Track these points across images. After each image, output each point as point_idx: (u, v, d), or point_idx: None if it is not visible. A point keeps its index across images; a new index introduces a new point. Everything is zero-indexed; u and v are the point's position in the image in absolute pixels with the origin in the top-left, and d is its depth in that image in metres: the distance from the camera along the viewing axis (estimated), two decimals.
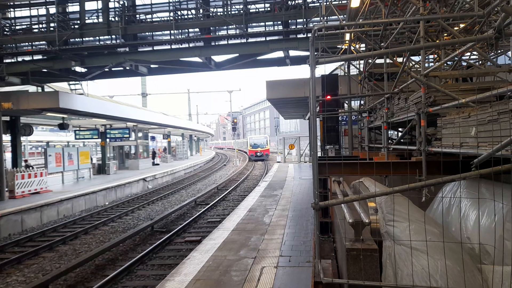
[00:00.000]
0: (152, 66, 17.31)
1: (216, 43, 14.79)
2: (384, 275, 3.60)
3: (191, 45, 14.65)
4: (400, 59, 8.88)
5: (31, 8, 15.42)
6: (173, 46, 14.58)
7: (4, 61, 15.25)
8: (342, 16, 12.06)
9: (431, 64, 10.11)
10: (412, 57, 9.88)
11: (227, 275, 5.26)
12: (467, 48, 4.80)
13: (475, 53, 8.41)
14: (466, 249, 3.84)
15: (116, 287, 7.39)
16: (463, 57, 8.56)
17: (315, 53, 3.92)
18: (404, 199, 4.08)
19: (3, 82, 15.23)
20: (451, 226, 4.85)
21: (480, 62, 8.80)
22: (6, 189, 14.85)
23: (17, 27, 15.35)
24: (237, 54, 15.69)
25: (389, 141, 8.55)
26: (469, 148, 3.93)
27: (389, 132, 9.10)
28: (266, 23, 14.10)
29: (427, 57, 10.10)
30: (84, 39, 14.66)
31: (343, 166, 5.15)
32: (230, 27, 14.03)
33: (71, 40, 14.54)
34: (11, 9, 15.69)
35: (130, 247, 9.99)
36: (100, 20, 14.55)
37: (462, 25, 7.64)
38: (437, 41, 8.21)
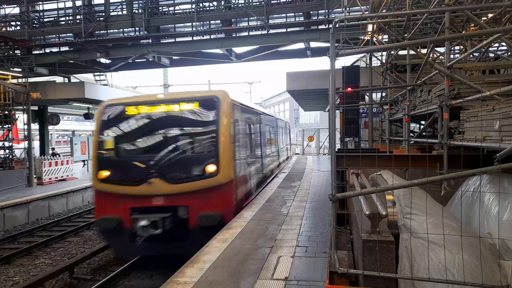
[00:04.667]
0: (174, 57, 17.54)
1: (237, 35, 14.82)
2: (400, 267, 3.60)
3: (212, 37, 14.75)
4: (424, 51, 8.64)
5: (59, 1, 15.86)
6: (195, 38, 14.71)
7: (33, 52, 15.81)
8: (364, 6, 11.82)
9: (457, 55, 9.81)
10: (437, 48, 9.60)
11: (244, 263, 5.36)
12: (493, 39, 4.64)
13: (504, 44, 8.10)
14: (487, 244, 3.77)
15: (136, 271, 7.64)
16: (491, 48, 8.26)
17: (336, 45, 3.89)
18: (422, 192, 4.03)
19: (32, 72, 15.81)
20: (473, 221, 4.76)
21: (509, 53, 8.48)
22: (34, 176, 15.49)
23: (45, 20, 15.85)
24: (258, 46, 15.69)
25: (411, 134, 8.39)
26: (492, 141, 3.84)
27: (411, 125, 8.93)
28: (287, 15, 14.00)
29: (453, 48, 9.79)
30: (108, 31, 15.00)
31: (361, 158, 5.12)
32: (251, 18, 14.01)
33: (96, 32, 14.90)
34: (40, 2, 16.19)
35: None
36: (124, 12, 14.82)
37: (490, 15, 7.37)
38: (464, 31, 7.95)
